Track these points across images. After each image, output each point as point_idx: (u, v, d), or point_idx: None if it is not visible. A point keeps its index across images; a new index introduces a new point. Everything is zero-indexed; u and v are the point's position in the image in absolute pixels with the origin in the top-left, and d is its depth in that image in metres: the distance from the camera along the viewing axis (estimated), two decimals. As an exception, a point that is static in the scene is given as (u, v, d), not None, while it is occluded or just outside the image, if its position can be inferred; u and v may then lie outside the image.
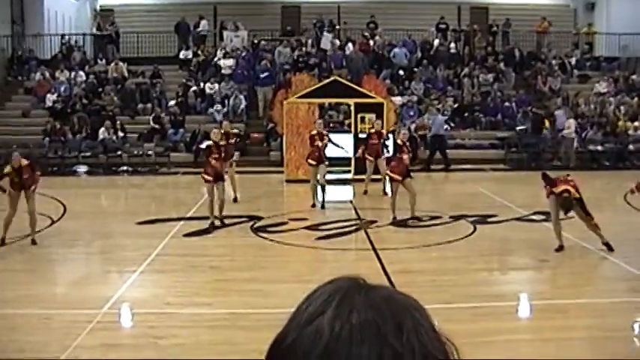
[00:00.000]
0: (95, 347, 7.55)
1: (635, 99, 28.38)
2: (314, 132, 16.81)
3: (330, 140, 17.18)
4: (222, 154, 14.23)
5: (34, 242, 12.44)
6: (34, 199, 12.56)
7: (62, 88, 27.38)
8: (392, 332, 1.02)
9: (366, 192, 18.40)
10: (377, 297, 1.08)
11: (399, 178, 14.42)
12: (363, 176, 18.95)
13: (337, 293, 1.09)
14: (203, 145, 14.61)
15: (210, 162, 14.05)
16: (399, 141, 15.38)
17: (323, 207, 16.19)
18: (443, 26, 31.64)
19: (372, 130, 18.65)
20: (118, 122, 25.58)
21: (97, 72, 28.70)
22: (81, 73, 28.26)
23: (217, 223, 14.07)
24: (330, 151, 21.52)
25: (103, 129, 24.81)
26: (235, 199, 16.95)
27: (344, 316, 1.04)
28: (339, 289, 1.10)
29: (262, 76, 27.58)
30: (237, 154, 17.70)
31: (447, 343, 1.08)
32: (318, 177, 16.30)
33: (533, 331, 8.53)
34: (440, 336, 1.08)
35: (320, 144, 16.46)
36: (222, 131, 16.31)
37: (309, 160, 16.55)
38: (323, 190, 16.21)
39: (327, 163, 16.58)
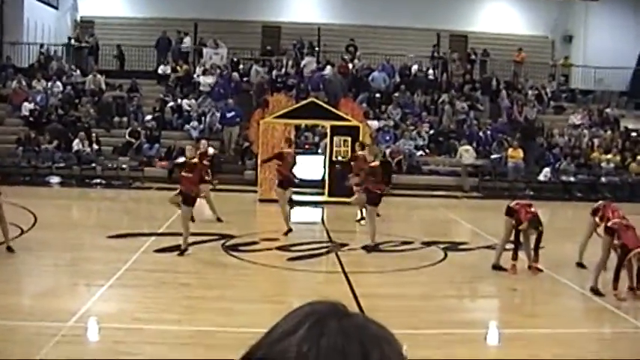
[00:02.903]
0: (59, 361, 7.47)
1: (609, 132, 28.77)
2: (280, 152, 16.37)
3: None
4: (195, 174, 13.35)
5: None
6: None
7: (38, 98, 27.21)
8: None
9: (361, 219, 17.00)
10: (350, 325, 1.08)
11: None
12: (336, 199, 18.94)
13: (312, 316, 1.10)
14: (179, 160, 14.05)
15: (181, 179, 13.42)
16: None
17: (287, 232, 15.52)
18: (423, 54, 31.85)
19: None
20: (94, 134, 25.47)
21: (74, 83, 28.58)
22: (58, 83, 28.10)
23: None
24: (303, 173, 21.60)
25: (77, 140, 24.68)
26: (219, 219, 16.78)
27: (314, 338, 1.05)
28: (315, 311, 1.11)
29: (229, 115, 26.50)
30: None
31: None
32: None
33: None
34: None
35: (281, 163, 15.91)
36: (200, 151, 16.22)
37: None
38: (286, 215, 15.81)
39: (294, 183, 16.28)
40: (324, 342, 1.04)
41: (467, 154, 26.07)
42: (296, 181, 16.49)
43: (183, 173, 13.39)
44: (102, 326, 8.76)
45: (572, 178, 25.94)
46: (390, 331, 1.13)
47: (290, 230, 15.49)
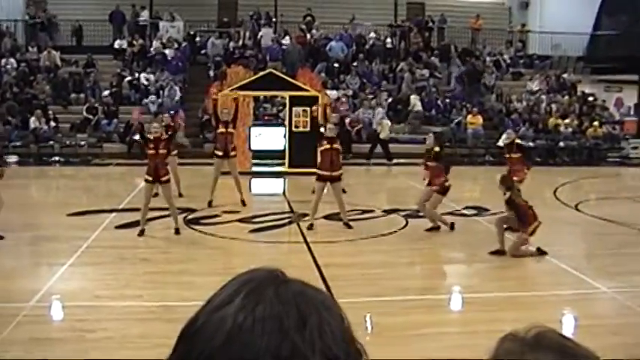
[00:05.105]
0: (22, 341, 7.42)
1: (566, 97, 29.09)
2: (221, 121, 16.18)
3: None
4: (163, 149, 12.86)
5: None
6: None
7: (-8, 76, 26.81)
8: (294, 328, 1.03)
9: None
10: (287, 291, 1.08)
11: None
12: (297, 169, 18.92)
13: (248, 284, 1.10)
14: (137, 137, 13.33)
15: (149, 158, 12.80)
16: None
17: (244, 204, 15.65)
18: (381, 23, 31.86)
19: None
20: (50, 112, 25.17)
21: (29, 60, 28.15)
22: (12, 60, 27.67)
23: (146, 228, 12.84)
24: (263, 144, 21.60)
25: (34, 118, 24.35)
26: (180, 194, 16.53)
27: (250, 307, 1.05)
28: (251, 279, 1.11)
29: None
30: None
31: (356, 344, 1.09)
32: (230, 170, 15.91)
33: (462, 324, 8.66)
34: (349, 336, 1.08)
35: (222, 131, 15.85)
36: (163, 124, 16.09)
37: (215, 152, 16.00)
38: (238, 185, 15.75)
39: (233, 154, 16.05)
40: (260, 310, 1.04)
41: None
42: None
43: (159, 151, 12.79)
44: (63, 305, 8.72)
45: (530, 144, 26.18)
46: (330, 296, 1.13)
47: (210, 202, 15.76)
